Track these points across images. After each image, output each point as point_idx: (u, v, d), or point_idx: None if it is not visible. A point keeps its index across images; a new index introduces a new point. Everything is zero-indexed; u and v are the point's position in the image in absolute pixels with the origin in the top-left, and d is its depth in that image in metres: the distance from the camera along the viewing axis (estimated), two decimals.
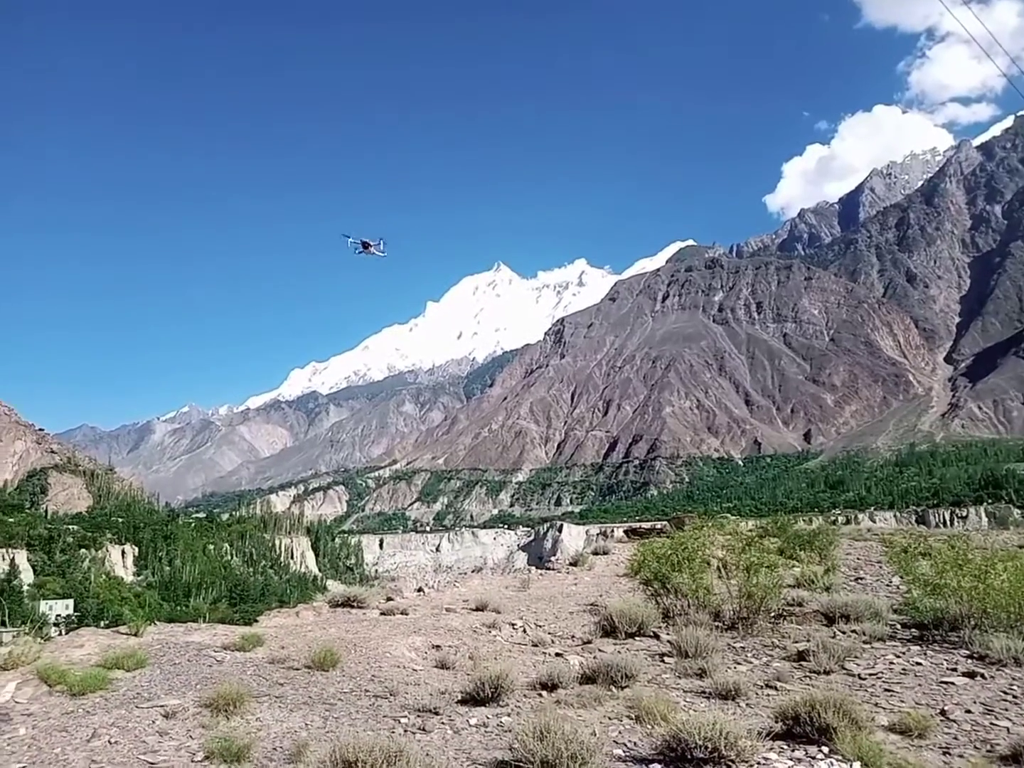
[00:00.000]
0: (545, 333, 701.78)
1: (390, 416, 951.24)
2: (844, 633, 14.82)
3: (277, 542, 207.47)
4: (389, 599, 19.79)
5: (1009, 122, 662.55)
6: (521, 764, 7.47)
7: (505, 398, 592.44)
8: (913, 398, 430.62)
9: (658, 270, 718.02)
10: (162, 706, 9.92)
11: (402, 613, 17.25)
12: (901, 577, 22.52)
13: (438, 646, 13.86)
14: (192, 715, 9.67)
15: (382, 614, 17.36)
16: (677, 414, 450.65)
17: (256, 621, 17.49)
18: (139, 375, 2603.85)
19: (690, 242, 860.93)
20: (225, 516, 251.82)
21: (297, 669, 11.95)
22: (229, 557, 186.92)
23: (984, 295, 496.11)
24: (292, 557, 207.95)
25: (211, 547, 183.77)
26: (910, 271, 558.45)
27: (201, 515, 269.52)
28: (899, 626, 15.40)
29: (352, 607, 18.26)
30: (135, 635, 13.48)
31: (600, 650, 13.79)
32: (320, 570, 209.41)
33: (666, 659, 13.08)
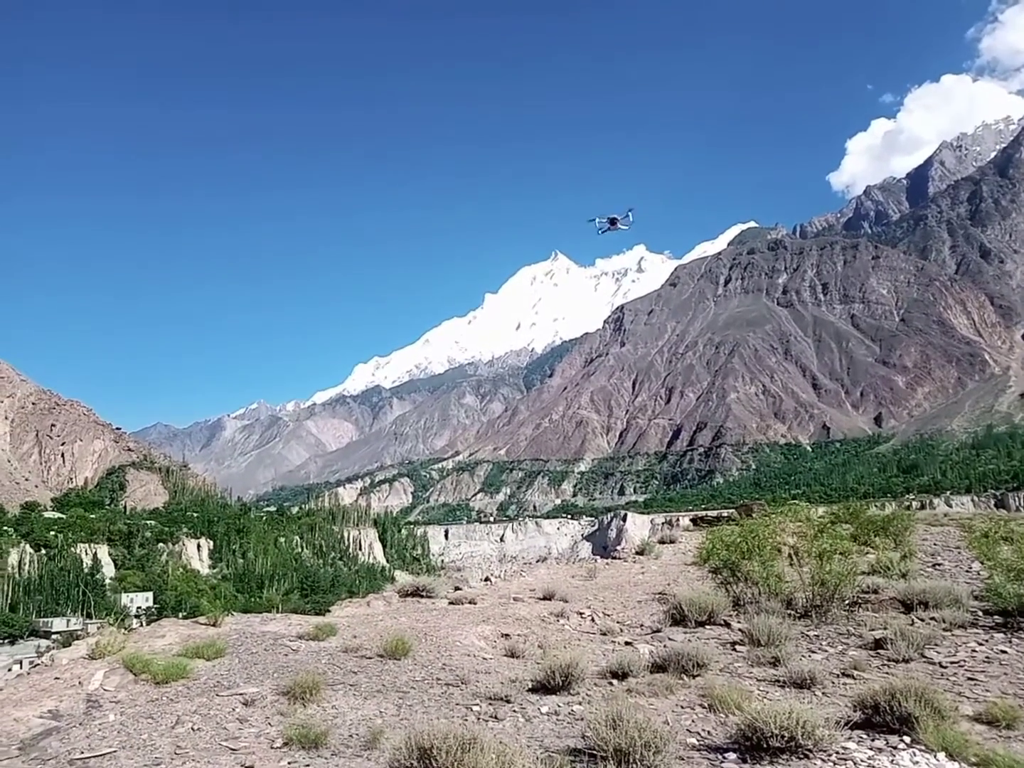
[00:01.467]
0: (604, 321, 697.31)
1: (451, 408, 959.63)
2: (922, 620, 14.39)
3: (345, 534, 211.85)
4: (457, 588, 20.02)
5: None
6: (595, 752, 7.48)
7: (565, 388, 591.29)
8: (990, 378, 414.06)
9: (719, 254, 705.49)
10: (241, 694, 10.23)
11: (470, 602, 17.42)
12: (982, 563, 21.77)
13: (507, 635, 13.95)
14: (270, 703, 9.95)
15: (451, 603, 17.56)
16: (742, 400, 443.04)
17: (328, 611, 17.89)
18: (210, 374, 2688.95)
19: (752, 224, 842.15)
20: (295, 509, 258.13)
21: (370, 658, 12.18)
22: (300, 549, 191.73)
23: None
24: (360, 548, 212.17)
25: (282, 540, 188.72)
26: (984, 246, 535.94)
27: (272, 509, 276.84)
28: (981, 613, 14.88)
29: (421, 597, 18.53)
30: (213, 625, 13.92)
31: (670, 638, 13.69)
32: (388, 561, 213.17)
33: (738, 647, 12.91)
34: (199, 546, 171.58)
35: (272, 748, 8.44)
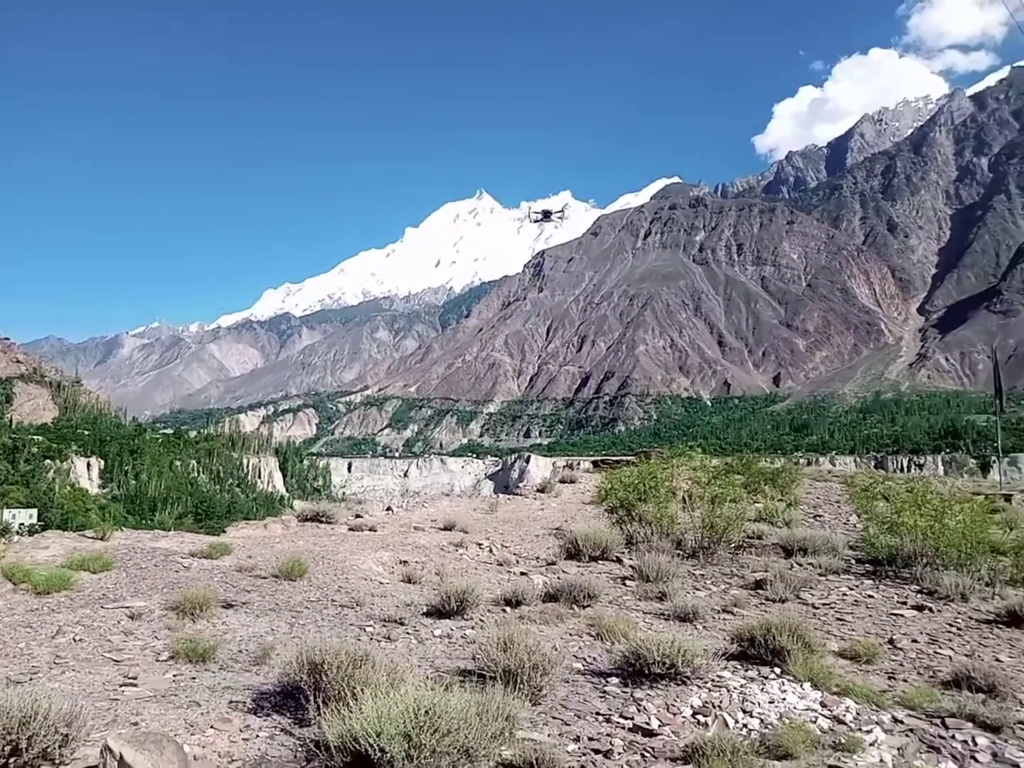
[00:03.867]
0: (525, 265, 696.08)
1: (363, 342, 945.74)
2: (801, 565, 15.26)
3: (245, 461, 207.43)
4: (357, 516, 19.99)
5: (1005, 72, 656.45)
6: (484, 673, 7.64)
7: (481, 329, 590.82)
8: (883, 347, 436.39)
9: (642, 207, 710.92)
10: (128, 607, 10.00)
11: (370, 530, 17.43)
12: (859, 516, 23.16)
13: (405, 561, 14.06)
14: (158, 617, 9.77)
15: (351, 530, 17.52)
16: (650, 352, 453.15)
17: (224, 532, 17.58)
18: (110, 288, 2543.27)
19: (676, 179, 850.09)
20: (193, 433, 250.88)
21: (264, 578, 12.07)
22: (196, 474, 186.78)
23: (963, 248, 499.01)
24: (260, 477, 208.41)
25: (178, 463, 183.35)
26: (892, 220, 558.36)
27: (169, 431, 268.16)
28: (854, 561, 15.90)
29: (321, 522, 18.41)
30: (101, 539, 13.48)
31: (564, 571, 14.08)
32: (287, 490, 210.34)
33: (628, 582, 13.40)
34: (89, 465, 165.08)
35: (157, 661, 8.30)
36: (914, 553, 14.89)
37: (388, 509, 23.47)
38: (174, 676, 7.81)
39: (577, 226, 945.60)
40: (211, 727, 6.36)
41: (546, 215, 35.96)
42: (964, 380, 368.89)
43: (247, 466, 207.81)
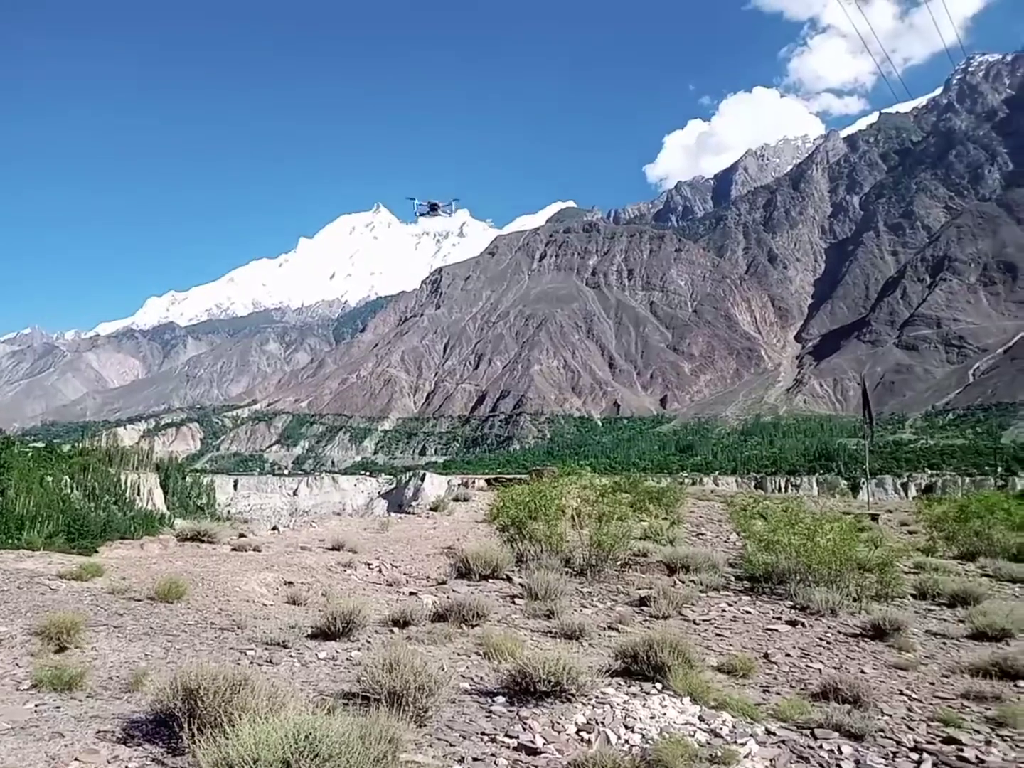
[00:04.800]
0: (422, 282, 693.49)
1: (252, 354, 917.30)
2: (683, 582, 15.77)
3: (123, 477, 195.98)
4: (242, 536, 19.29)
5: (874, 117, 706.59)
6: (368, 695, 7.52)
7: (376, 344, 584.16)
8: (763, 372, 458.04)
9: (537, 229, 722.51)
10: None
11: (254, 550, 16.86)
12: (738, 534, 24.15)
13: (290, 582, 13.67)
14: (20, 643, 9.12)
15: (233, 550, 16.89)
16: (544, 372, 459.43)
17: (96, 552, 16.57)
18: None
19: (571, 204, 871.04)
20: (67, 447, 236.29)
21: (139, 600, 11.47)
22: (69, 490, 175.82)
23: (836, 280, 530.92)
24: (139, 494, 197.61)
25: (49, 479, 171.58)
26: (772, 251, 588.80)
27: (40, 445, 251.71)
28: (733, 578, 16.57)
29: (202, 542, 17.66)
30: None
31: (454, 590, 14.04)
32: (168, 508, 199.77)
33: (517, 600, 13.49)
34: None
35: (18, 690, 7.73)
36: (788, 570, 15.66)
37: (274, 528, 22.79)
38: (36, 706, 7.29)
39: (475, 245, 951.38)
40: (75, 759, 5.96)
41: (432, 208, 35.25)
42: (837, 405, 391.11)
43: (125, 482, 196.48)
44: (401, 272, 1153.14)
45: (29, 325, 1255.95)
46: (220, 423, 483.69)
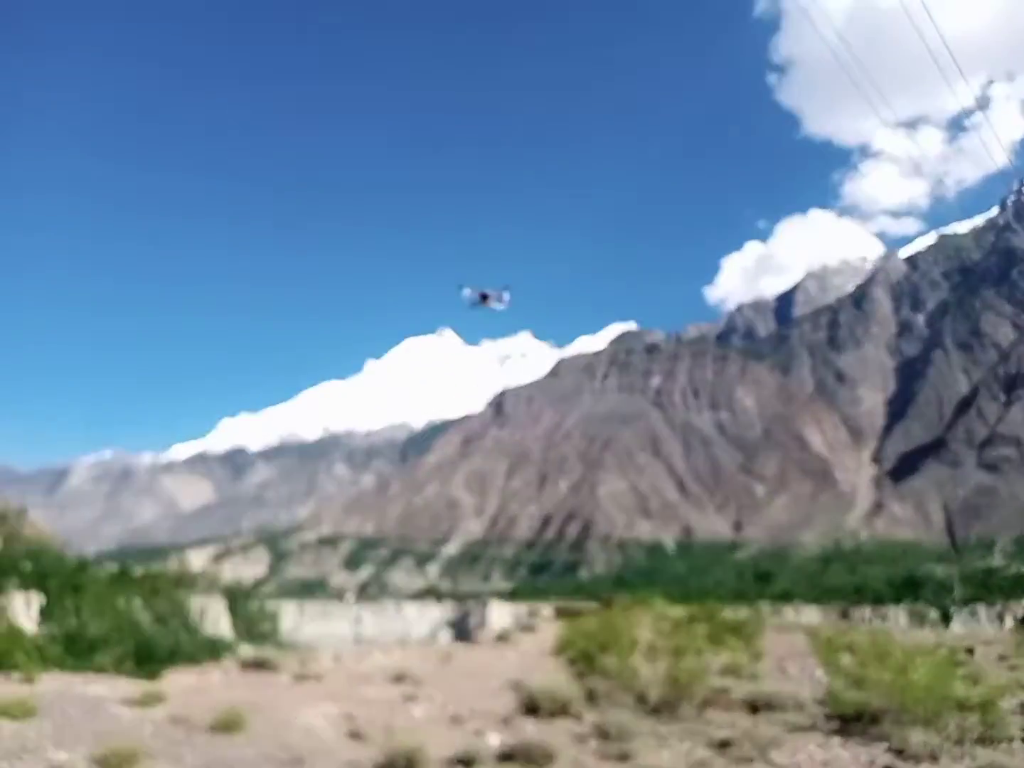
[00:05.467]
0: (486, 403, 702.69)
1: (320, 477, 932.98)
2: (768, 722, 14.66)
3: (191, 602, 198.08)
4: (303, 665, 18.87)
5: (932, 238, 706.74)
6: None
7: (441, 466, 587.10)
8: (839, 495, 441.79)
9: (599, 351, 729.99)
10: (49, 759, 9.12)
11: (316, 680, 16.42)
12: (825, 669, 22.63)
13: (352, 715, 13.17)
14: None
15: (295, 679, 16.48)
16: (611, 495, 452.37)
17: (160, 677, 16.36)
18: (62, 415, 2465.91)
19: (632, 325, 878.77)
20: (139, 570, 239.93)
21: (199, 730, 11.18)
22: (139, 614, 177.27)
23: (908, 399, 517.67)
24: (205, 619, 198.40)
25: (121, 602, 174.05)
26: (839, 370, 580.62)
27: (114, 567, 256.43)
28: (822, 717, 15.33)
29: (264, 670, 17.32)
30: (29, 682, 12.45)
31: (521, 728, 13.32)
32: (235, 634, 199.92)
33: (588, 741, 12.69)
34: (28, 601, 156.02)
35: None
36: (881, 709, 14.42)
37: (336, 658, 22.28)
38: None
39: (537, 366, 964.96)
40: None
41: (484, 297, 34.05)
42: (919, 530, 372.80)
43: (193, 607, 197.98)
44: (465, 394, 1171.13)
45: (109, 446, 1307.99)
46: (287, 547, 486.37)
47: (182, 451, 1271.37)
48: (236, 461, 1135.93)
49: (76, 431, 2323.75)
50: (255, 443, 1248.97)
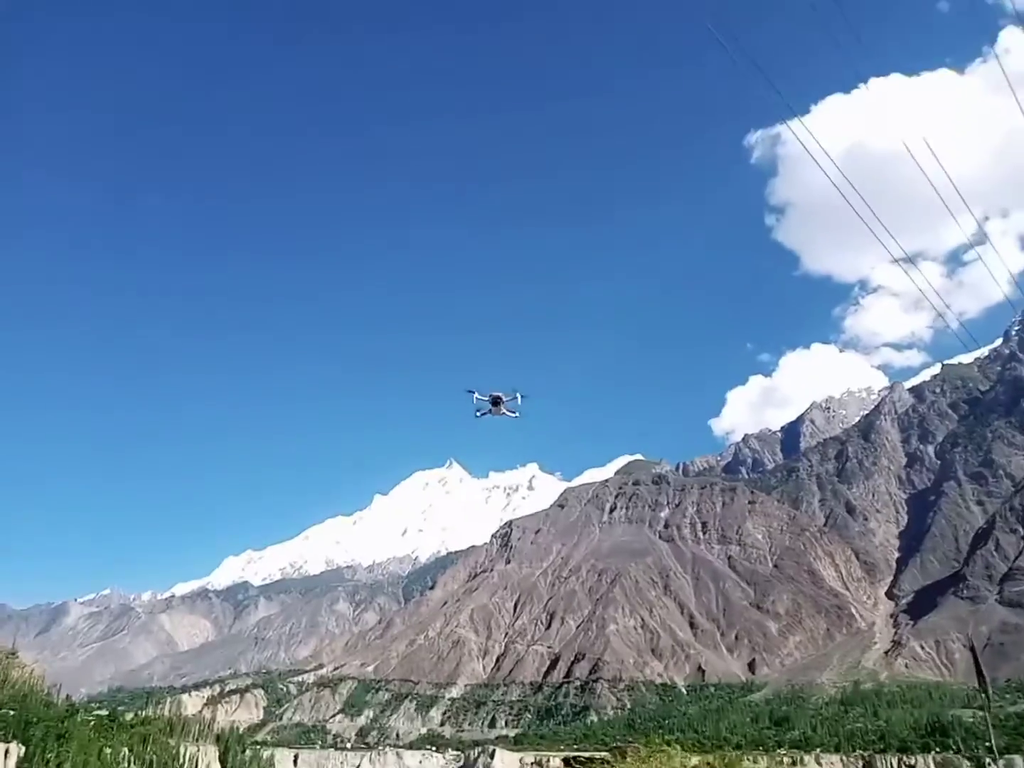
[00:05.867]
0: (492, 536, 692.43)
1: (322, 614, 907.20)
2: None
3: (182, 750, 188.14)
4: None
5: (937, 369, 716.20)
6: None
7: (445, 603, 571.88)
8: (856, 632, 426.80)
9: (606, 481, 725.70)
10: None
11: None
12: None
13: None
14: None
15: None
16: (621, 633, 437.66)
17: None
18: (59, 551, 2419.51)
19: (638, 456, 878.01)
20: (130, 715, 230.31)
21: None
22: (127, 764, 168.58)
23: (922, 532, 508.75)
24: None
25: (108, 751, 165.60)
26: (850, 502, 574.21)
27: (103, 712, 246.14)
28: None
29: None
30: None
31: None
32: None
33: None
34: (7, 752, 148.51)
35: None
36: None
37: None
38: None
39: (544, 498, 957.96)
40: None
41: (495, 403, 30.74)
42: (942, 670, 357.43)
43: (184, 755, 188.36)
44: (471, 526, 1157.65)
45: (108, 586, 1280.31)
46: (284, 689, 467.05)
47: (184, 589, 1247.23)
48: (237, 597, 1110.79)
49: (76, 570, 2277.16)
50: (258, 579, 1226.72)
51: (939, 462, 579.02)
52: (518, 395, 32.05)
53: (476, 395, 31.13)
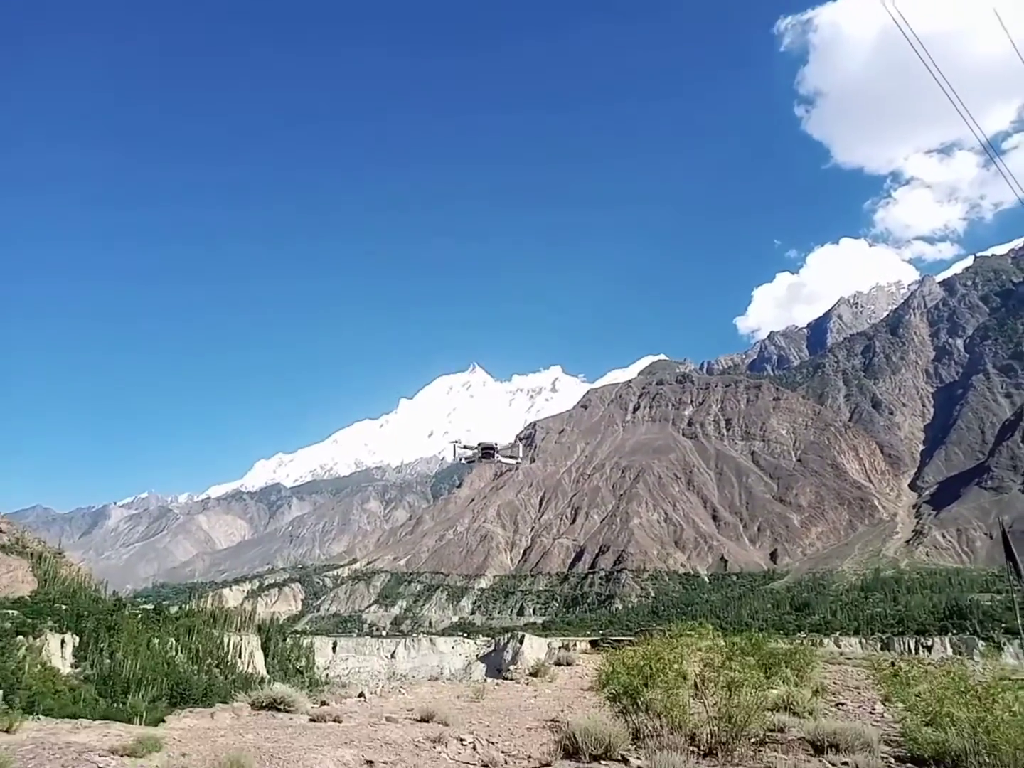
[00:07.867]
0: (516, 436, 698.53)
1: (353, 513, 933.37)
2: (834, 765, 13.12)
3: (226, 639, 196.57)
4: (323, 703, 17.56)
5: (969, 261, 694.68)
6: None
7: (472, 500, 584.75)
8: (878, 523, 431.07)
9: (630, 381, 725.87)
10: None
11: (335, 720, 15.09)
12: (885, 704, 20.86)
13: (371, 761, 11.86)
14: None
15: (311, 720, 15.17)
16: (644, 526, 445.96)
17: (163, 721, 15.08)
18: (99, 458, 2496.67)
19: (662, 356, 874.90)
20: (174, 609, 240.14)
21: None
22: (174, 653, 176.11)
23: (947, 425, 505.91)
24: (240, 656, 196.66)
25: (156, 641, 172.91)
26: (875, 397, 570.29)
27: (149, 606, 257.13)
28: (893, 760, 13.71)
29: (278, 710, 16.01)
30: (6, 731, 11.30)
31: None
32: (268, 671, 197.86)
33: None
34: (63, 642, 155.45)
35: None
36: (964, 751, 12.76)
37: (360, 695, 20.95)
38: None
39: (567, 400, 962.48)
40: None
41: (487, 453, 26.07)
42: (963, 557, 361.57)
43: (228, 645, 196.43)
44: (496, 428, 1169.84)
45: (146, 490, 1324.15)
46: (321, 583, 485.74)
47: (218, 491, 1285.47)
48: (270, 498, 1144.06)
49: (114, 476, 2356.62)
50: (289, 481, 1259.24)
51: (968, 355, 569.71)
52: (518, 445, 30.21)
53: (461, 445, 27.54)
